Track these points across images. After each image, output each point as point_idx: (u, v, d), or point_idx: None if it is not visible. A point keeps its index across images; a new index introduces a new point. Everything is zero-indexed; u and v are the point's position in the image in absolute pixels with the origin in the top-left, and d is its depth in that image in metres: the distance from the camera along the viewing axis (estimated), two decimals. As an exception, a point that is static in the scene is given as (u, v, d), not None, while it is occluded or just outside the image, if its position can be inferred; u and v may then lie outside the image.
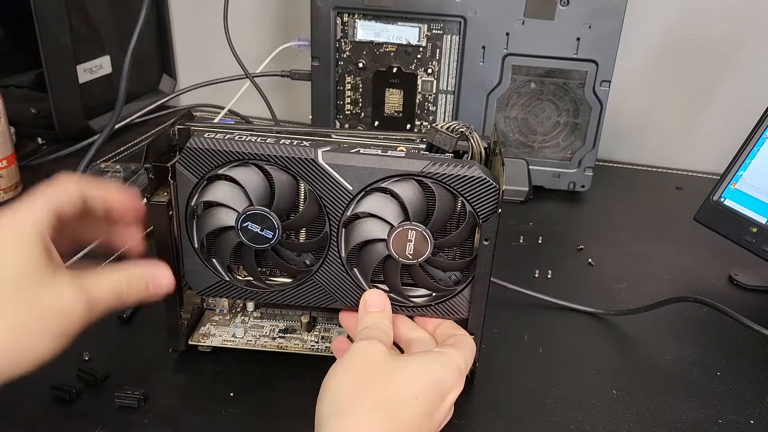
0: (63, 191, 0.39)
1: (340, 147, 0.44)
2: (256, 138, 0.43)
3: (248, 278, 0.48)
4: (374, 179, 0.43)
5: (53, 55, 0.80)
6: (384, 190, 0.44)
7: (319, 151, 0.43)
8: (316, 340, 0.51)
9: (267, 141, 0.43)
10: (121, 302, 0.39)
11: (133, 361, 0.50)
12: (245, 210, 0.43)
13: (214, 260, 0.47)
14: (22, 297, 0.34)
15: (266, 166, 0.43)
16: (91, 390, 0.47)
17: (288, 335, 0.51)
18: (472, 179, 0.42)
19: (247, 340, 0.50)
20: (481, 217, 0.43)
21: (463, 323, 0.47)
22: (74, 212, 0.39)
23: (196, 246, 0.46)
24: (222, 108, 0.93)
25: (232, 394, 0.47)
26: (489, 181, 0.42)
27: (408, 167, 0.43)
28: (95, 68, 0.87)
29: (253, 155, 0.43)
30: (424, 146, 0.47)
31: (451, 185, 0.43)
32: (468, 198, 0.43)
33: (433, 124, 0.46)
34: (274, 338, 0.51)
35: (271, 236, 0.44)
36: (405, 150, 0.45)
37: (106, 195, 0.41)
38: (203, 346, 0.50)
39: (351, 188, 0.43)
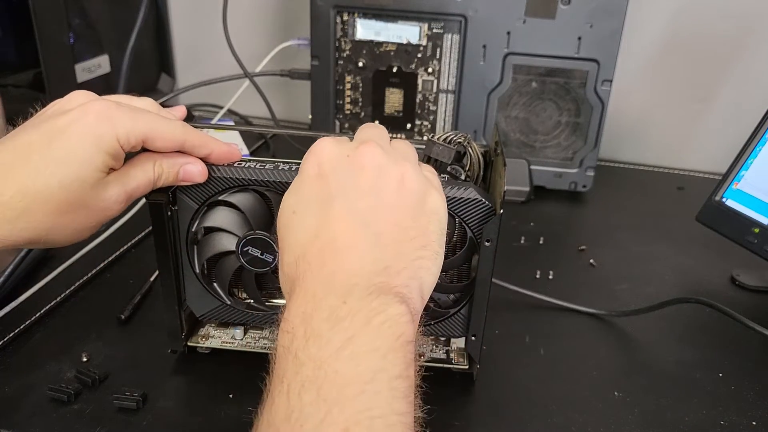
0: (168, 131, 0.40)
1: None
2: (255, 164, 0.44)
3: (248, 300, 0.49)
4: None
5: (52, 54, 0.79)
6: None
7: None
8: (316, 341, 0.50)
9: (266, 167, 0.43)
10: (155, 188, 0.41)
11: (132, 362, 0.50)
12: (246, 235, 0.44)
13: (215, 284, 0.47)
14: (72, 190, 0.36)
15: (265, 192, 0.44)
16: (89, 391, 0.47)
17: (288, 336, 0.51)
18: (468, 201, 0.42)
19: (246, 342, 0.50)
20: (478, 237, 0.43)
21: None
22: (166, 148, 0.40)
23: (197, 271, 0.46)
24: (221, 107, 0.93)
25: (231, 396, 0.47)
26: (485, 202, 0.42)
27: None
28: (94, 67, 0.87)
29: (252, 181, 0.43)
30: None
31: (448, 207, 0.42)
32: (465, 219, 0.43)
33: (431, 137, 0.46)
34: (273, 340, 0.50)
35: (271, 260, 0.44)
36: None
37: (207, 148, 0.42)
38: (202, 347, 0.50)
39: None
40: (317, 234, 0.34)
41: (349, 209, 0.34)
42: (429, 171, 0.40)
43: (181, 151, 0.41)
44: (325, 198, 0.35)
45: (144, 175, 0.40)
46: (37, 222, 0.36)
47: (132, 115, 0.38)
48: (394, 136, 0.84)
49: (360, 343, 0.30)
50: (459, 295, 0.46)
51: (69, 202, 0.36)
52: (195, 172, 0.42)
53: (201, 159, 0.42)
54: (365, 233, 0.34)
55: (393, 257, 0.34)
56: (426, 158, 0.46)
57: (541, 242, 0.72)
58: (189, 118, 0.48)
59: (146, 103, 0.42)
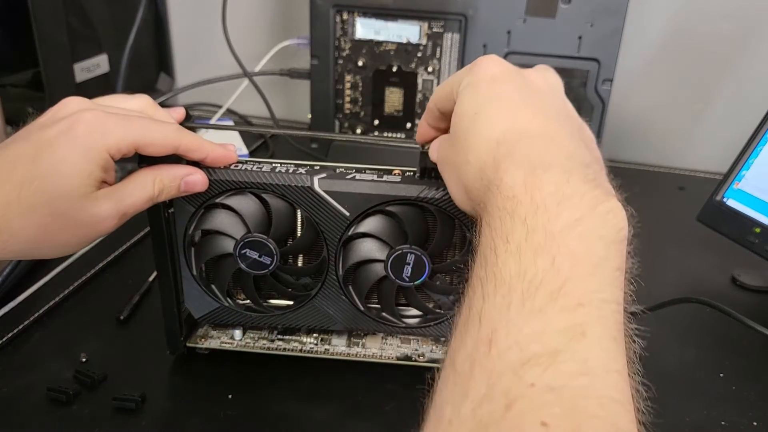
0: (160, 137, 0.39)
1: (335, 173, 0.43)
2: (252, 166, 0.43)
3: (247, 301, 0.48)
4: (370, 205, 0.43)
5: (50, 53, 0.79)
6: (385, 212, 0.43)
7: (315, 179, 0.42)
8: (315, 343, 0.50)
9: (263, 169, 0.43)
10: (154, 203, 0.40)
11: (130, 363, 0.50)
12: (243, 237, 0.44)
13: (213, 286, 0.47)
14: (58, 206, 0.35)
15: (263, 194, 0.43)
16: (88, 391, 0.47)
17: (286, 337, 0.51)
18: None
19: (245, 342, 0.50)
20: None
21: None
22: (160, 153, 0.39)
23: (195, 273, 0.46)
24: (220, 107, 0.92)
25: (230, 396, 0.47)
26: None
27: (404, 193, 0.42)
28: (92, 67, 0.87)
29: (249, 184, 0.43)
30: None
31: (448, 209, 0.42)
32: (464, 220, 0.43)
33: (425, 149, 0.45)
34: (272, 340, 0.50)
35: (269, 262, 0.44)
36: (401, 173, 0.44)
37: (201, 153, 0.41)
38: (201, 348, 0.50)
39: (348, 214, 0.43)
40: (514, 122, 0.33)
41: (540, 107, 0.34)
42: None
43: (176, 155, 0.41)
44: (509, 96, 0.34)
45: (142, 193, 0.39)
46: (21, 237, 0.35)
47: (123, 124, 0.37)
48: (393, 136, 0.84)
49: (588, 226, 0.28)
50: (459, 296, 0.46)
51: (54, 216, 0.35)
52: (197, 183, 0.42)
53: (196, 162, 0.42)
54: (563, 127, 0.33)
55: (589, 157, 0.33)
56: (422, 170, 0.44)
57: (541, 242, 0.71)
58: (188, 118, 0.48)
59: (141, 102, 0.42)
